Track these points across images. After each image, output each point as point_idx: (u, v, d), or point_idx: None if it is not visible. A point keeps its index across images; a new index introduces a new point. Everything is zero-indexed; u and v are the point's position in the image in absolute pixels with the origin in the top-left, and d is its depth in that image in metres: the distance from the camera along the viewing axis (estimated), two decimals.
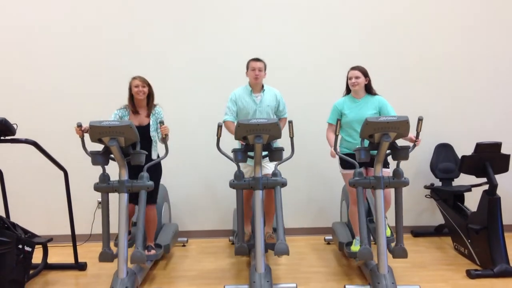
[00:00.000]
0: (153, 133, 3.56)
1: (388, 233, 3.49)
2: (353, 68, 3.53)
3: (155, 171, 3.55)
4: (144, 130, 3.49)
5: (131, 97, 3.57)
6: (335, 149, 3.35)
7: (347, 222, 4.17)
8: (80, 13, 4.47)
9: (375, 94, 3.57)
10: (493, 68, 4.61)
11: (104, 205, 3.19)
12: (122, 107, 3.60)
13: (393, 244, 3.20)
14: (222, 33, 4.55)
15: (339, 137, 3.48)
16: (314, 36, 4.57)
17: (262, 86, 3.70)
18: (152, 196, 3.59)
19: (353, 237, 3.75)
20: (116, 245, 3.38)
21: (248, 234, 3.72)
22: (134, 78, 3.56)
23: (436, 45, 4.58)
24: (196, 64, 4.55)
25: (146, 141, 3.49)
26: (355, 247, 3.55)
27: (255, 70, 3.59)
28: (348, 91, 3.64)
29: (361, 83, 3.49)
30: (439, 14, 4.57)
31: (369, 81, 3.54)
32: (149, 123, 3.57)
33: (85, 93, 4.49)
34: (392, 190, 3.32)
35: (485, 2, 4.57)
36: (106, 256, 3.16)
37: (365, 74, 3.51)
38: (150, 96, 3.59)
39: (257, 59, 3.63)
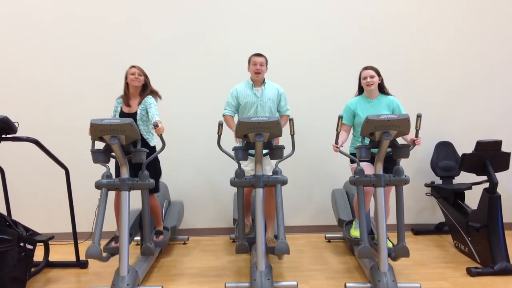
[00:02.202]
0: (138, 122, 3.56)
1: (390, 245, 3.49)
2: (367, 68, 3.51)
3: (152, 162, 3.53)
4: (132, 117, 3.45)
5: (127, 85, 3.62)
6: (336, 143, 3.30)
7: (347, 191, 4.17)
8: (82, 9, 4.48)
9: (388, 93, 3.58)
10: (494, 65, 4.61)
11: (102, 201, 3.17)
12: (120, 97, 3.67)
13: (394, 254, 3.19)
14: (224, 31, 4.55)
15: (350, 136, 3.52)
16: (314, 34, 4.57)
17: (264, 81, 3.72)
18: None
19: (353, 215, 3.74)
20: (105, 250, 3.35)
21: (248, 226, 3.72)
22: (131, 67, 3.61)
23: (436, 43, 4.58)
24: (198, 61, 4.56)
25: None
26: (355, 232, 3.58)
27: (257, 64, 3.62)
28: (360, 91, 3.64)
29: (376, 83, 3.49)
30: (439, 11, 4.57)
31: (382, 80, 3.54)
32: (136, 111, 3.57)
33: (87, 91, 4.50)
34: (393, 195, 3.32)
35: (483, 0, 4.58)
36: (94, 252, 3.02)
37: (378, 73, 3.51)
38: (145, 86, 3.63)
39: (258, 54, 3.68)
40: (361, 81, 3.55)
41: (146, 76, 3.63)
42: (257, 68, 3.62)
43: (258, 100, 3.65)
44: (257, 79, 3.68)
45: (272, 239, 3.66)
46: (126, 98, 3.61)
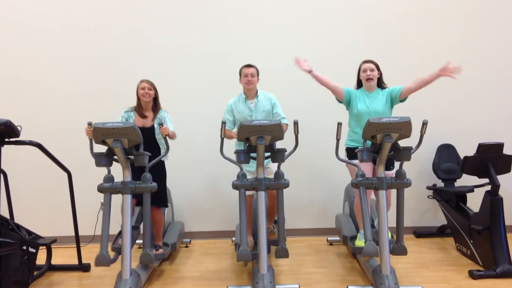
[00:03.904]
0: (158, 136, 3.61)
1: (389, 235, 3.49)
2: (367, 61, 3.51)
3: (159, 173, 3.57)
4: (148, 133, 3.54)
5: (139, 99, 3.65)
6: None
7: (350, 214, 4.18)
8: (84, 12, 4.51)
9: (384, 87, 3.58)
10: (496, 68, 4.61)
11: (106, 206, 3.18)
12: (129, 109, 3.68)
13: (391, 248, 3.19)
14: (225, 34, 4.57)
15: (347, 128, 3.56)
16: (316, 36, 4.59)
17: (257, 93, 3.71)
18: (162, 198, 3.72)
19: (357, 230, 3.74)
20: (113, 249, 3.41)
21: (250, 245, 3.68)
22: (141, 81, 3.65)
23: (438, 45, 4.58)
24: (201, 64, 4.58)
25: (152, 145, 3.56)
26: (360, 242, 3.51)
27: (248, 76, 3.61)
28: (358, 85, 3.63)
29: (375, 77, 3.49)
30: (440, 13, 4.58)
31: (381, 75, 3.55)
32: (153, 125, 3.62)
33: (89, 94, 4.52)
34: (393, 191, 3.33)
35: (486, 1, 4.58)
36: (103, 260, 3.05)
37: (378, 67, 3.52)
38: (156, 100, 3.67)
39: (249, 65, 3.66)
40: (360, 74, 3.55)
41: (155, 90, 3.67)
42: (248, 79, 3.60)
43: (253, 113, 3.64)
44: (249, 89, 3.66)
45: (272, 230, 3.70)
46: (139, 111, 3.64)
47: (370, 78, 3.47)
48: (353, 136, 3.56)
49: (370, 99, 3.51)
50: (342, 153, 3.46)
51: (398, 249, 3.17)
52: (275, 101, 3.74)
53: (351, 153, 3.50)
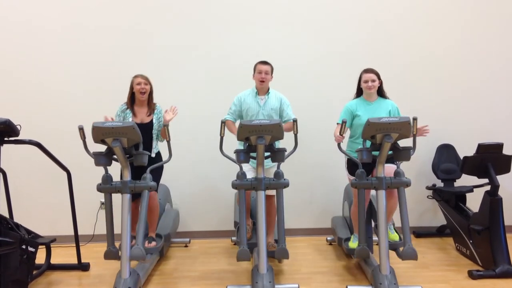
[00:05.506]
0: (155, 132, 3.61)
1: (397, 237, 3.49)
2: (368, 71, 3.51)
3: (156, 167, 3.54)
4: (146, 128, 3.51)
5: (132, 95, 3.62)
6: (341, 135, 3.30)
7: (345, 217, 4.21)
8: (84, 11, 4.50)
9: (386, 97, 3.59)
10: (495, 68, 4.61)
11: (107, 206, 3.21)
12: (125, 105, 3.65)
13: (401, 248, 3.17)
14: (224, 35, 4.57)
15: (347, 138, 3.56)
16: (317, 36, 4.58)
17: (268, 90, 3.70)
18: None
19: (351, 232, 3.81)
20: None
21: (249, 229, 3.68)
22: (136, 76, 3.60)
23: (438, 45, 4.59)
24: (201, 64, 4.57)
25: (147, 139, 3.52)
26: (353, 244, 3.60)
27: (262, 73, 3.58)
28: (358, 93, 3.63)
29: (376, 86, 3.49)
30: (440, 14, 4.58)
31: (381, 84, 3.55)
32: (151, 121, 3.60)
33: (89, 94, 4.51)
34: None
35: (487, 1, 4.58)
36: (111, 254, 3.21)
37: (379, 76, 3.51)
38: (150, 94, 3.65)
39: (264, 62, 3.63)
40: (361, 83, 3.55)
41: (151, 84, 3.64)
42: (262, 76, 3.57)
43: (260, 109, 3.62)
44: (261, 87, 3.64)
45: (272, 244, 3.67)
46: (132, 107, 3.61)
47: (371, 87, 3.47)
48: (353, 146, 3.52)
49: (372, 109, 3.51)
50: (342, 155, 3.47)
51: (407, 252, 3.05)
52: (285, 101, 3.69)
53: (352, 166, 3.48)
